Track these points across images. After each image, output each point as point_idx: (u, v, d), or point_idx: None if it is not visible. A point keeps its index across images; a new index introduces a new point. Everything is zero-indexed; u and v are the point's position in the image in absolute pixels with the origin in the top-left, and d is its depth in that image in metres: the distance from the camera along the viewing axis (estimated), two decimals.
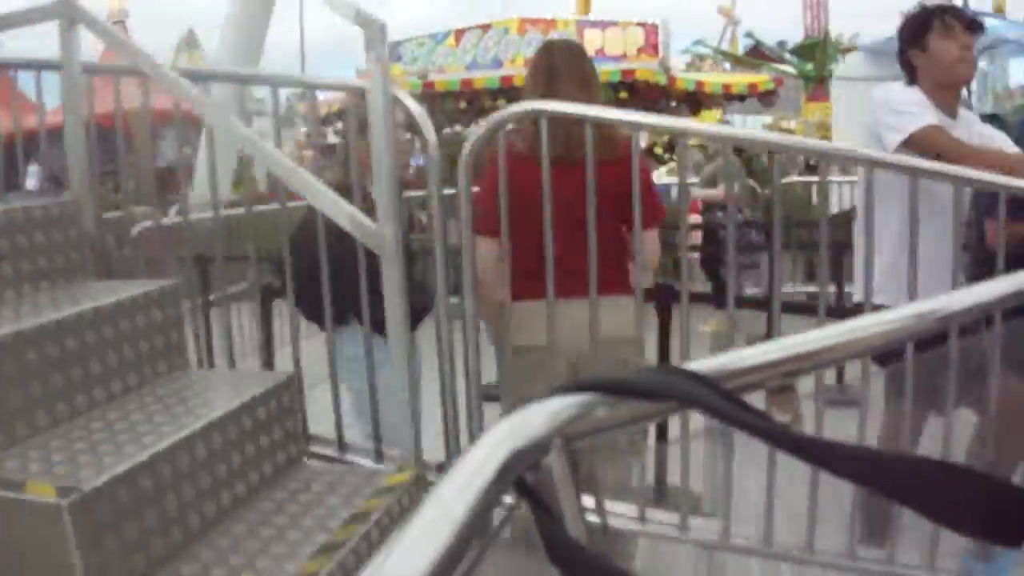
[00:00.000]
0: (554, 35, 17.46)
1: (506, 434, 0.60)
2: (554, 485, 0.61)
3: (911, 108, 2.53)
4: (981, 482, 0.61)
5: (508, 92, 12.21)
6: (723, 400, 0.65)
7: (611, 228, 2.26)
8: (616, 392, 0.66)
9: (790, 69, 20.71)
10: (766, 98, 17.32)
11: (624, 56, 14.50)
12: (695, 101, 15.09)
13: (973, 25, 2.64)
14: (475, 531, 0.53)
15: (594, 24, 15.66)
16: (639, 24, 15.18)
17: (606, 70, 13.52)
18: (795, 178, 9.63)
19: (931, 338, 1.53)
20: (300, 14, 22.42)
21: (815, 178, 9.87)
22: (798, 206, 8.87)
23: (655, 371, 0.67)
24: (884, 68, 9.76)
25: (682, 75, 15.28)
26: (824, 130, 16.90)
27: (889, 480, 0.62)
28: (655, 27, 14.88)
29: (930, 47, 2.61)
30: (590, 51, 17.94)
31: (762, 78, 17.27)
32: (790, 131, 22.58)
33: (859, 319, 0.90)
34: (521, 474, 0.60)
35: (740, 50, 22.69)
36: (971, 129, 2.63)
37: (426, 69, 15.67)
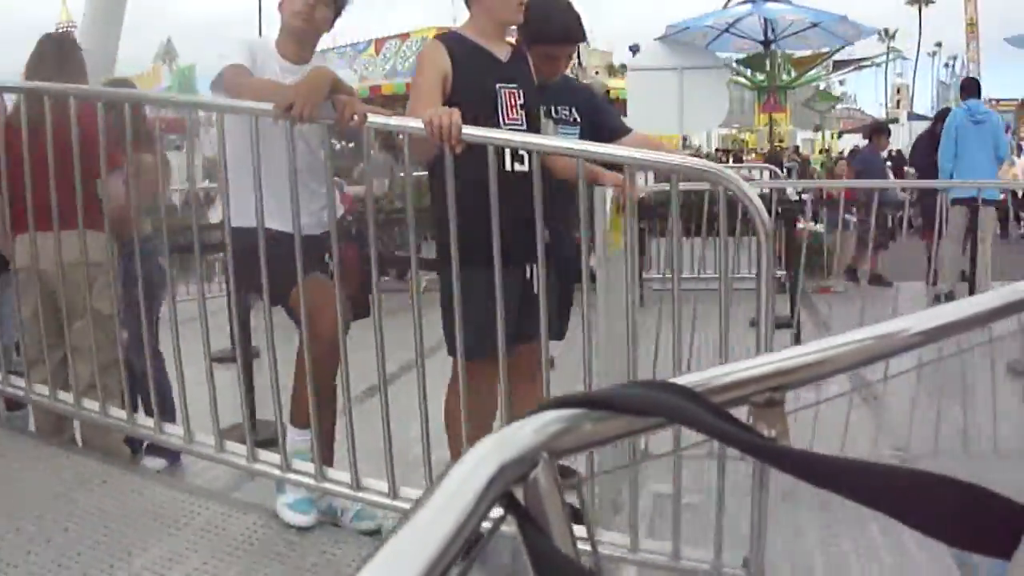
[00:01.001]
0: None
1: (494, 447, 0.60)
2: (542, 499, 0.61)
3: (234, 47, 2.80)
4: (969, 493, 0.61)
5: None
6: (711, 415, 0.65)
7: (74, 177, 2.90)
8: (604, 407, 0.66)
9: (743, 80, 20.92)
10: None
11: None
12: None
13: None
14: (462, 545, 0.53)
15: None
16: None
17: None
18: None
19: None
20: None
21: None
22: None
23: (643, 386, 0.67)
24: (677, 58, 9.90)
25: (586, 82, 15.69)
26: (777, 139, 17.08)
27: (877, 492, 0.63)
28: None
29: None
30: None
31: None
32: (744, 141, 22.87)
33: (853, 333, 0.91)
34: (509, 488, 0.60)
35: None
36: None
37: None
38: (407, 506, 2.37)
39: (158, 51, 20.52)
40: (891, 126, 29.31)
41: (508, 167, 2.62)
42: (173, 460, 3.49)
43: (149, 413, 3.03)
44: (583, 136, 3.17)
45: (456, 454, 2.56)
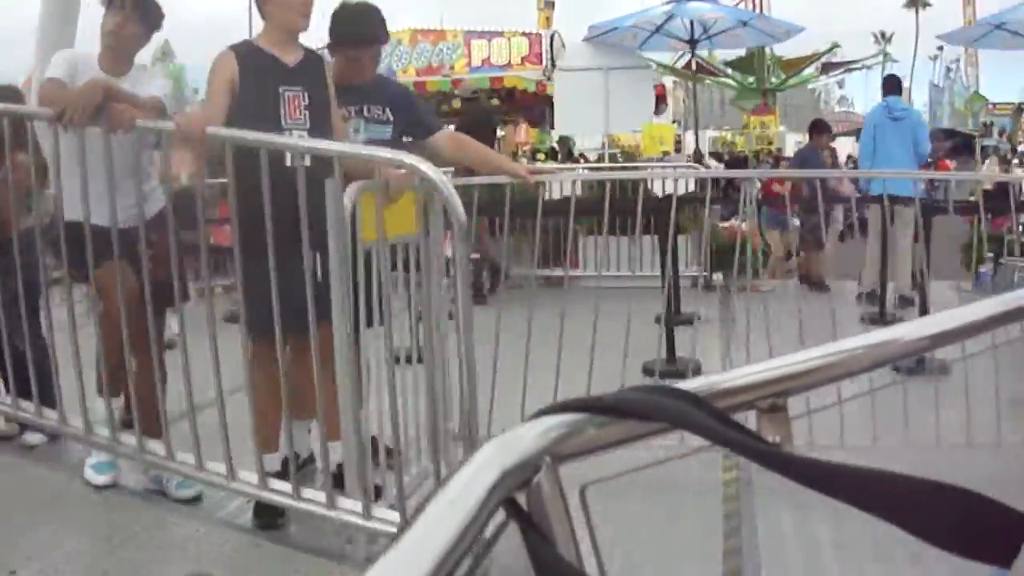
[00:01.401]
0: (443, 46, 17.84)
1: (496, 453, 0.60)
2: (545, 505, 0.61)
3: (56, 61, 3.14)
4: (970, 501, 0.61)
5: None
6: (714, 420, 0.64)
7: None
8: (606, 412, 0.65)
9: (731, 83, 20.92)
10: (658, 104, 17.51)
11: (509, 65, 14.91)
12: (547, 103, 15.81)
13: None
14: (465, 551, 0.52)
15: (481, 35, 16.27)
16: (524, 34, 15.71)
17: (476, 78, 13.90)
18: None
19: None
20: None
21: None
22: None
23: (647, 391, 0.67)
24: (603, 58, 10.11)
25: (518, 77, 15.87)
26: (766, 141, 17.12)
27: (879, 499, 0.62)
28: (539, 36, 15.37)
29: None
30: (476, 60, 18.35)
31: None
32: (734, 144, 23.01)
33: (858, 338, 0.90)
34: (511, 494, 0.59)
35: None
36: (141, 86, 3.15)
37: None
38: (217, 476, 2.78)
39: (155, 52, 20.61)
40: None
41: (289, 163, 2.82)
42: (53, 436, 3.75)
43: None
44: (396, 133, 3.49)
45: (258, 423, 2.83)
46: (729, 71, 19.83)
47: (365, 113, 3.45)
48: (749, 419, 0.73)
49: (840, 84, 36.83)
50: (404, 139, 3.55)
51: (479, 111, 10.29)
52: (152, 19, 3.26)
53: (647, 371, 4.45)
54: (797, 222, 7.50)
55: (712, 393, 0.71)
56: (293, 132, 3.01)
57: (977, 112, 24.23)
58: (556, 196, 6.63)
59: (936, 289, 5.82)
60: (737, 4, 23.12)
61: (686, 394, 0.66)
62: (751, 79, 20.13)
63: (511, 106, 15.30)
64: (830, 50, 23.50)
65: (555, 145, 14.62)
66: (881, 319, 5.79)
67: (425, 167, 2.58)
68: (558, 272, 6.62)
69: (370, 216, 2.71)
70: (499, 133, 15.75)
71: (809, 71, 22.28)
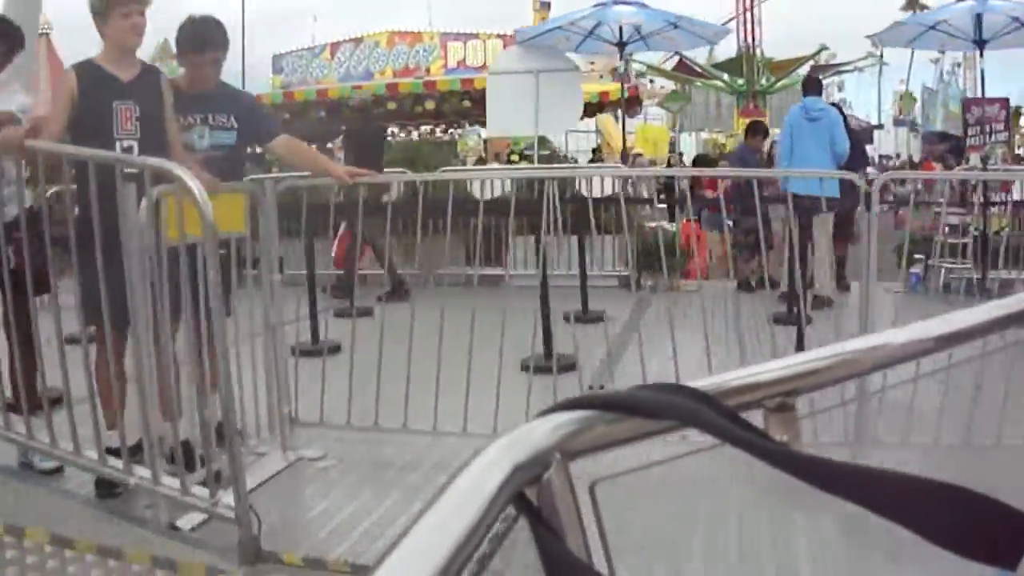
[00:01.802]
0: (419, 48, 17.99)
1: (506, 448, 0.60)
2: (555, 501, 0.61)
3: None
4: (976, 502, 0.61)
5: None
6: (724, 419, 0.64)
7: None
8: (617, 409, 0.65)
9: (720, 84, 20.90)
10: (630, 107, 17.51)
11: (484, 67, 14.97)
12: None
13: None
14: (475, 546, 0.53)
15: (457, 37, 16.45)
16: (499, 36, 15.85)
17: (446, 80, 13.95)
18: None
19: None
20: None
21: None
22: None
23: (657, 388, 0.67)
24: (533, 61, 10.14)
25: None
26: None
27: (886, 499, 0.62)
28: (513, 38, 15.83)
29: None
30: (452, 62, 18.52)
31: (614, 87, 17.93)
32: (723, 146, 23.01)
33: (867, 338, 0.90)
34: (521, 489, 0.60)
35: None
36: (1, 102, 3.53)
37: (304, 80, 17.19)
38: (66, 453, 3.31)
39: (154, 52, 20.60)
40: (877, 132, 29.02)
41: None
42: None
43: None
44: (240, 139, 3.86)
45: (103, 406, 3.29)
46: (718, 73, 19.98)
47: (210, 121, 3.78)
48: (758, 418, 0.74)
49: (840, 87, 36.63)
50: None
51: (366, 122, 10.57)
52: (11, 41, 3.70)
53: (524, 367, 4.56)
54: (731, 223, 7.60)
55: (721, 391, 0.71)
56: (124, 142, 3.35)
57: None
58: (488, 196, 6.98)
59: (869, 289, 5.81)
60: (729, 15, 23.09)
61: (696, 392, 0.66)
62: (740, 81, 20.16)
63: (477, 107, 15.55)
64: (818, 53, 23.44)
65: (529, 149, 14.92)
66: (788, 318, 5.58)
67: (187, 178, 2.83)
68: (488, 271, 6.87)
69: (174, 218, 2.96)
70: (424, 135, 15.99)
71: (802, 72, 22.29)
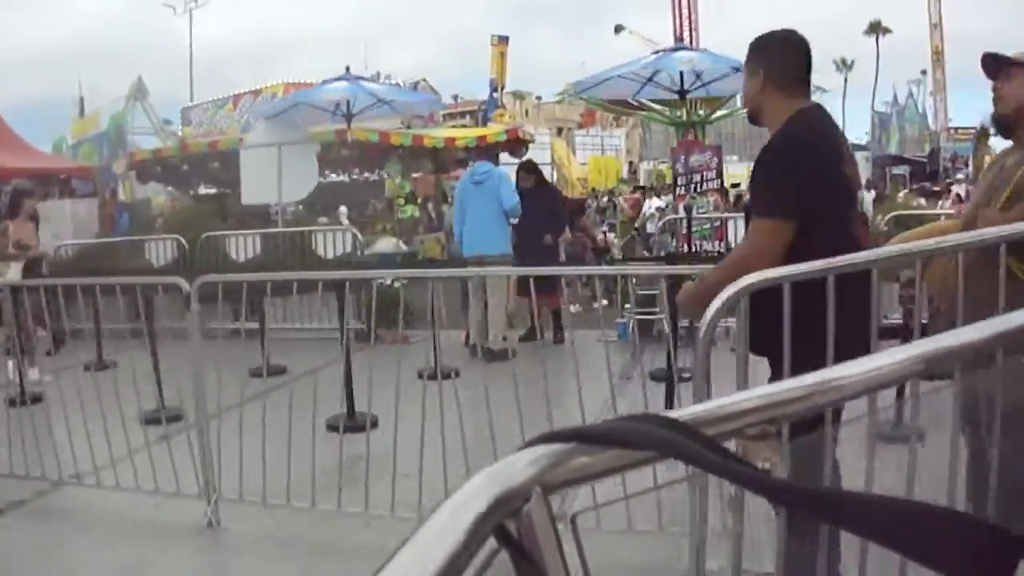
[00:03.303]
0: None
1: (486, 481, 0.60)
2: (535, 534, 0.61)
3: None
4: (965, 523, 0.61)
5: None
6: (703, 448, 0.65)
7: None
8: (595, 441, 0.66)
9: (659, 117, 21.06)
10: (515, 148, 17.77)
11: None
12: (423, 154, 17.15)
13: None
14: None
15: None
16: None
17: (320, 131, 14.41)
18: None
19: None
20: None
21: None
22: None
23: (636, 420, 0.68)
24: (276, 135, 11.47)
25: (399, 132, 16.77)
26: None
27: (870, 523, 0.62)
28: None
29: None
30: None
31: (493, 130, 18.53)
32: (664, 176, 23.20)
33: (845, 365, 0.91)
34: (502, 522, 0.60)
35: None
36: None
37: (209, 132, 18.11)
38: None
39: (130, 90, 20.62)
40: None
41: None
42: None
43: None
44: None
45: None
46: (657, 107, 20.42)
47: None
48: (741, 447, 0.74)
49: None
50: None
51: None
52: None
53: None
54: None
55: (701, 421, 0.72)
56: None
57: (936, 138, 24.44)
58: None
59: (581, 337, 5.96)
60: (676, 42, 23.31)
61: (675, 423, 0.67)
62: (680, 112, 20.42)
63: (353, 155, 16.70)
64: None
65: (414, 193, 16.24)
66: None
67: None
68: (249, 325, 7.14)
69: None
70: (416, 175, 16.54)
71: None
